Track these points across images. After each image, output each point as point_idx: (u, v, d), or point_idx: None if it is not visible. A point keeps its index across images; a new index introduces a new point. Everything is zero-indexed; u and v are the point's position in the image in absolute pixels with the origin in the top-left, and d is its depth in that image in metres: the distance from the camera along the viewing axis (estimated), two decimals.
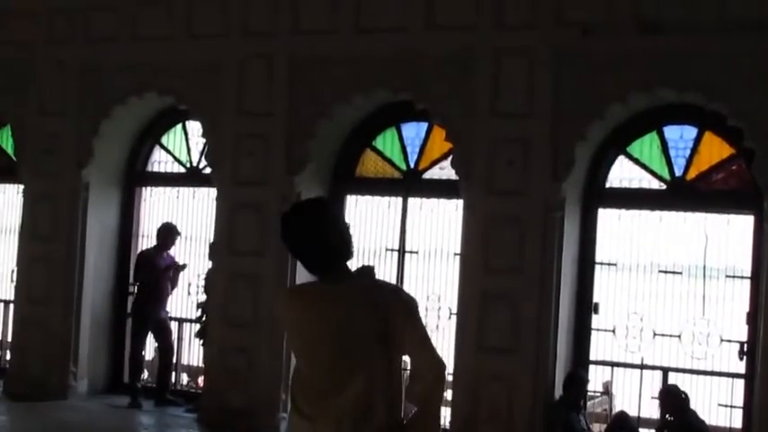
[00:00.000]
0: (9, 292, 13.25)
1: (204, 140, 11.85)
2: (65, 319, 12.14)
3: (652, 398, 10.12)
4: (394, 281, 11.03)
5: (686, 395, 9.66)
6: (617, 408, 10.51)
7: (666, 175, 10.17)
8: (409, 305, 4.25)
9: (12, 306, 13.06)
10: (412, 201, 11.16)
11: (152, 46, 11.64)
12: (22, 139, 12.62)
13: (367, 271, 4.30)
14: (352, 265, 4.37)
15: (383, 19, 10.54)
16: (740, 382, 9.88)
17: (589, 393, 10.32)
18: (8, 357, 13.16)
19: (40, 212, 12.40)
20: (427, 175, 11.20)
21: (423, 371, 4.25)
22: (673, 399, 9.58)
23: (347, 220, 4.66)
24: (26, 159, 12.53)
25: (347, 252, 4.26)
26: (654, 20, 9.48)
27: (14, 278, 12.95)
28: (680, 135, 10.16)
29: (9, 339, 13.15)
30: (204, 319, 11.85)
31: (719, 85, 9.22)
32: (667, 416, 9.58)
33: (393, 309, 4.19)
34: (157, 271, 11.97)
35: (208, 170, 11.78)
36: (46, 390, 12.00)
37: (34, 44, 12.34)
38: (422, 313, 4.36)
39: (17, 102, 12.54)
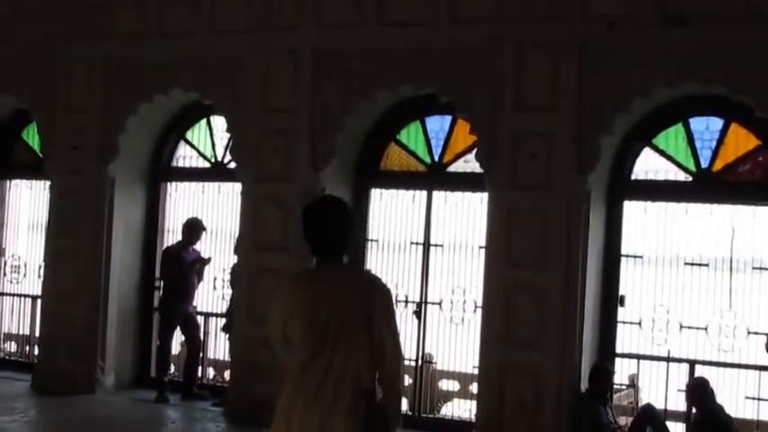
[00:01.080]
0: (37, 288, 13.33)
1: (229, 135, 11.90)
2: (92, 313, 12.22)
3: (678, 390, 10.10)
4: (419, 274, 11.08)
5: (712, 390, 9.62)
6: (643, 400, 10.47)
7: (692, 167, 10.12)
8: (385, 294, 4.97)
9: (39, 301, 13.14)
10: (436, 194, 11.16)
11: (177, 42, 11.69)
12: (49, 136, 12.71)
13: (356, 266, 5.10)
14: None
15: (407, 12, 10.54)
16: (767, 375, 9.84)
17: (615, 386, 10.28)
18: (36, 352, 13.26)
19: (66, 208, 12.49)
20: (452, 169, 11.19)
21: (387, 353, 4.84)
22: (700, 391, 9.55)
23: (359, 217, 5.07)
24: (52, 156, 12.61)
25: (341, 247, 4.97)
26: (679, 12, 9.43)
27: (42, 274, 13.03)
28: (705, 126, 10.11)
29: (37, 334, 13.24)
30: (230, 313, 11.91)
31: (746, 77, 9.17)
32: (693, 409, 9.57)
33: (373, 295, 4.90)
34: (184, 266, 12.02)
35: (232, 165, 11.83)
36: (74, 384, 12.08)
37: (60, 41, 12.41)
38: (395, 303, 5.11)
39: (43, 99, 12.63)
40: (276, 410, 4.95)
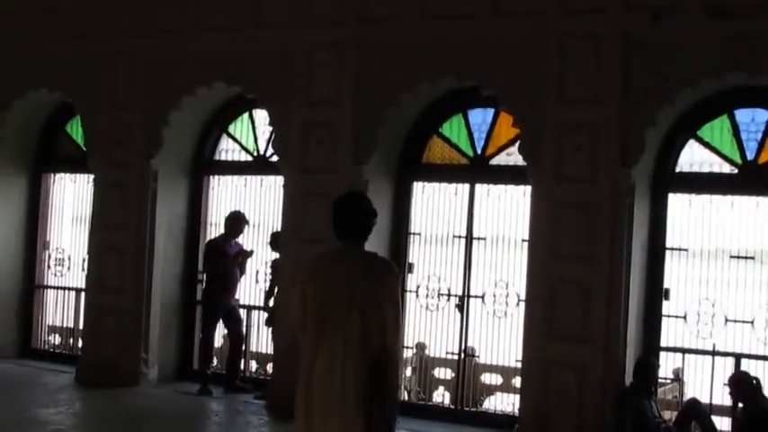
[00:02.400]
0: (81, 281, 13.44)
1: (271, 129, 11.93)
2: (135, 306, 12.31)
3: (724, 384, 10.00)
4: (462, 268, 11.06)
5: (757, 380, 9.56)
6: (688, 395, 10.39)
7: (738, 159, 10.03)
8: (393, 276, 5.83)
9: (83, 294, 13.24)
10: (479, 187, 11.13)
11: (220, 35, 11.73)
12: (93, 130, 12.81)
13: (370, 251, 5.98)
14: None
15: (450, 5, 10.52)
16: None
17: (660, 380, 10.21)
18: (80, 344, 13.37)
19: (110, 202, 12.59)
20: (494, 162, 11.17)
21: (389, 325, 5.63)
22: (743, 386, 9.48)
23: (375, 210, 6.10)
24: (96, 150, 12.71)
25: (359, 234, 5.84)
26: (724, 3, 9.34)
27: (85, 267, 13.13)
28: (751, 118, 10.02)
29: (81, 327, 13.35)
30: (272, 306, 11.95)
31: None
32: (739, 404, 9.49)
33: (383, 275, 5.76)
34: (227, 259, 12.06)
35: (275, 158, 11.85)
36: (117, 376, 12.18)
37: (104, 35, 12.49)
38: (399, 281, 6.02)
39: (87, 93, 12.72)
40: (300, 371, 5.79)
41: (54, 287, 14.04)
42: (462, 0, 10.51)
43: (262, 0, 11.57)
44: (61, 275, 13.98)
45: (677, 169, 10.32)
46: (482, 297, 11.00)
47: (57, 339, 14.18)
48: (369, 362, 5.59)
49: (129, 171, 12.38)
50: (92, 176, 13.00)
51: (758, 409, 9.36)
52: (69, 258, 13.90)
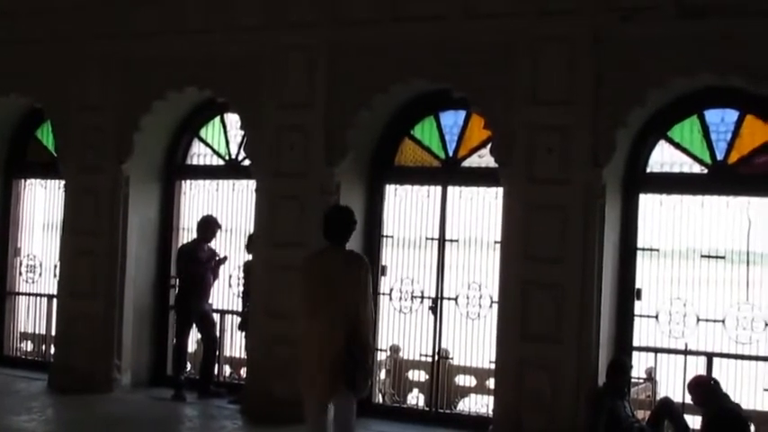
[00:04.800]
0: (52, 287, 13.36)
1: (243, 133, 11.91)
2: (108, 312, 12.26)
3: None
4: (435, 270, 11.09)
5: (715, 381, 9.64)
6: (661, 394, 10.45)
7: (708, 160, 10.09)
8: (365, 268, 7.84)
9: (55, 300, 13.17)
10: (451, 189, 11.14)
11: (192, 39, 11.68)
12: (64, 135, 12.74)
13: (350, 250, 8.06)
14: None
15: (422, 7, 10.53)
16: None
17: (632, 380, 10.26)
18: (53, 351, 13.28)
19: (81, 207, 12.52)
20: (466, 164, 11.18)
21: (360, 304, 7.69)
22: (702, 389, 9.56)
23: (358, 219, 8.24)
24: (67, 154, 12.65)
25: (342, 237, 7.91)
26: (695, 3, 9.39)
27: (57, 273, 13.05)
28: (721, 119, 10.08)
29: (53, 333, 13.27)
30: (246, 310, 11.92)
31: (763, 68, 9.13)
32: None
33: (359, 268, 7.79)
34: (199, 263, 12.03)
35: (246, 162, 11.83)
36: (90, 383, 12.12)
37: (74, 39, 12.44)
38: (370, 273, 7.97)
39: (57, 97, 12.66)
40: (302, 335, 7.91)
41: (26, 294, 13.97)
42: (434, 3, 10.52)
43: (234, 3, 11.54)
44: (33, 282, 13.90)
45: (648, 170, 10.37)
46: (455, 299, 11.02)
47: (29, 346, 14.10)
48: (348, 328, 7.59)
49: (101, 176, 12.32)
50: (63, 182, 12.94)
51: (718, 408, 9.44)
52: (41, 265, 13.82)
